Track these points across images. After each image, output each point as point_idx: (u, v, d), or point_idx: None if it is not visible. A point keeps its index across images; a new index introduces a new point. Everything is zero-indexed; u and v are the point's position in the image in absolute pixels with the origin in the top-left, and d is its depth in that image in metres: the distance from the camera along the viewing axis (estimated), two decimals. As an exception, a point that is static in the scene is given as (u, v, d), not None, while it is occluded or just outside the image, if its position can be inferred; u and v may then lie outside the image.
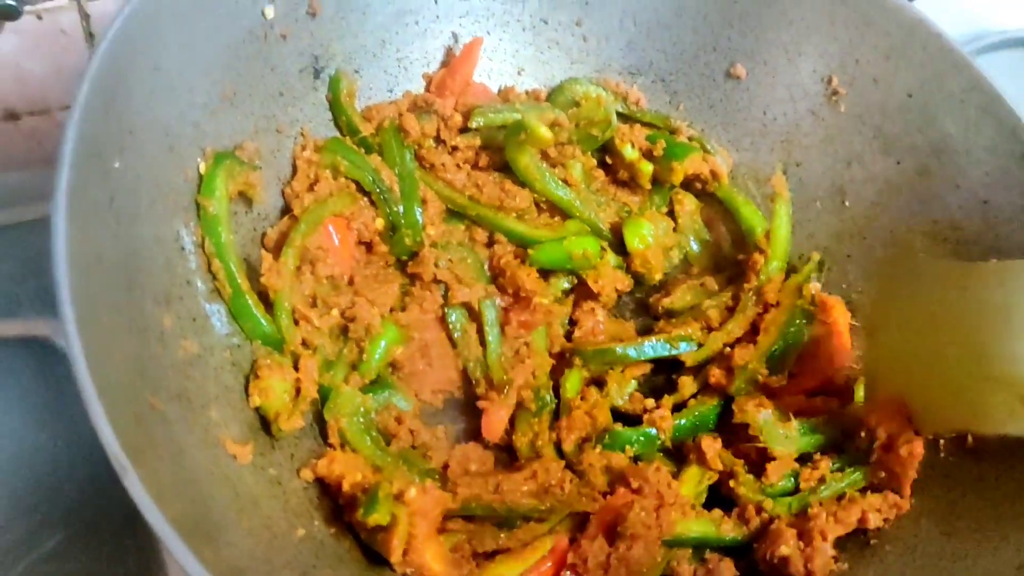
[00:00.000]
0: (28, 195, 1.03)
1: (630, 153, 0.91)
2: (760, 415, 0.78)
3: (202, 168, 0.71)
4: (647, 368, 0.88)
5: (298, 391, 0.71)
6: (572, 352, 0.84)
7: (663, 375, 0.89)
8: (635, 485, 0.75)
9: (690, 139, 0.93)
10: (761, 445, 0.78)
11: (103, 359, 0.51)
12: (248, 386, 0.69)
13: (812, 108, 0.91)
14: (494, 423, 0.79)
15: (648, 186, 0.93)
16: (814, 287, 0.86)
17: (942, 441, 0.76)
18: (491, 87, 0.94)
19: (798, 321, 0.84)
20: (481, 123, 0.84)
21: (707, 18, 0.92)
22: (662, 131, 0.93)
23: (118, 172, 0.61)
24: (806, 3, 0.89)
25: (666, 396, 0.83)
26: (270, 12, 0.76)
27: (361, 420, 0.74)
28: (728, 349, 0.84)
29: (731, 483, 0.78)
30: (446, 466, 0.77)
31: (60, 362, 0.86)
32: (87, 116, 0.57)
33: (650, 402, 0.83)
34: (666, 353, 0.85)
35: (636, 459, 0.80)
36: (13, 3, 0.92)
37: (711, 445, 0.79)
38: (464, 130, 0.86)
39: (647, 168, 0.91)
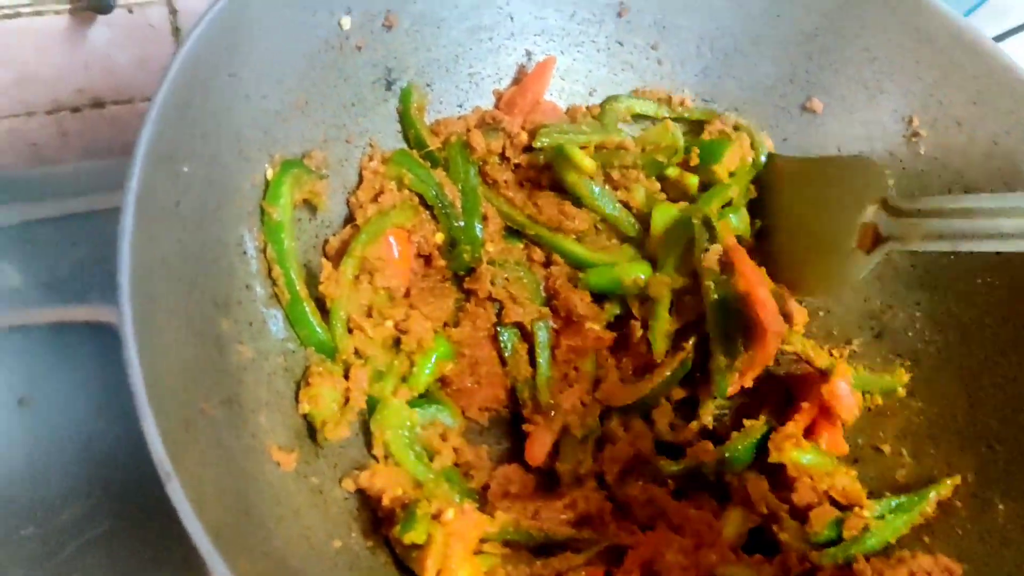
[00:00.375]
0: (104, 184, 1.06)
1: (671, 172, 0.89)
2: (802, 456, 0.76)
3: (269, 175, 0.72)
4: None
5: (347, 400, 0.72)
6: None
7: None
8: (675, 522, 0.74)
9: (736, 128, 0.91)
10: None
11: (158, 363, 0.52)
12: (299, 393, 0.70)
13: (890, 148, 0.88)
14: (538, 447, 0.79)
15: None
16: (714, 249, 0.80)
17: (1000, 505, 0.73)
18: (561, 106, 0.93)
19: (713, 295, 0.79)
20: (546, 143, 0.84)
21: (786, 50, 0.90)
22: (696, 138, 0.91)
23: (186, 176, 0.62)
24: (891, 41, 0.86)
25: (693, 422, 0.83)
26: (347, 23, 0.77)
27: (406, 434, 0.74)
28: None
29: (774, 528, 0.76)
30: (486, 486, 0.77)
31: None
32: (162, 118, 0.59)
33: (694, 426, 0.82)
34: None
35: (678, 494, 0.79)
36: (107, -3, 0.96)
37: (758, 486, 0.77)
38: (528, 148, 0.86)
39: (692, 180, 0.89)
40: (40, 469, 0.81)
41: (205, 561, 0.45)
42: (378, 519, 0.70)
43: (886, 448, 0.82)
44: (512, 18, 0.88)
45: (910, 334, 0.85)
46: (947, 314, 0.84)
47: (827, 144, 0.91)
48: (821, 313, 0.90)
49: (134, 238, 0.54)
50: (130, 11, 1.07)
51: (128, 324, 0.50)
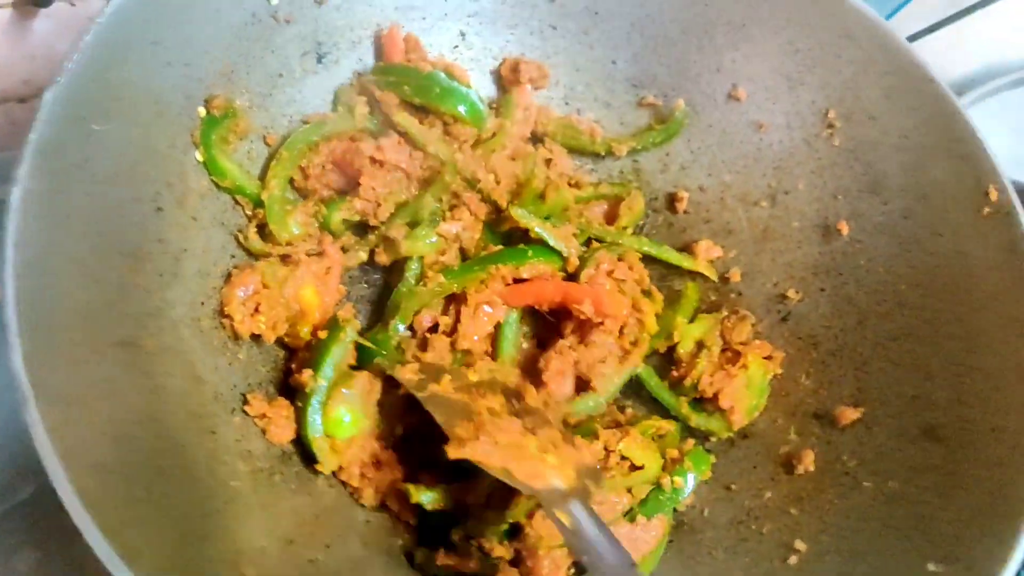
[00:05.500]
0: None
1: None
2: None
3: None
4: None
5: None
6: None
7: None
8: None
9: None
10: None
11: (40, 302, 0.56)
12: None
13: (807, 138, 0.91)
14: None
15: None
16: None
17: (866, 483, 0.77)
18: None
19: None
20: None
21: (713, 39, 0.93)
22: None
23: (99, 135, 0.66)
24: (814, 36, 0.89)
25: None
26: (275, -1, 0.81)
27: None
28: None
29: None
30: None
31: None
32: (73, 81, 0.64)
33: None
34: None
35: None
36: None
37: None
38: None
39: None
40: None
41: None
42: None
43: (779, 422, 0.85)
44: (446, -2, 0.92)
45: (812, 318, 0.88)
46: (848, 300, 0.87)
47: (749, 131, 0.94)
48: (733, 295, 0.94)
49: (31, 188, 0.59)
50: (72, 4, 1.10)
51: (8, 266, 0.55)
